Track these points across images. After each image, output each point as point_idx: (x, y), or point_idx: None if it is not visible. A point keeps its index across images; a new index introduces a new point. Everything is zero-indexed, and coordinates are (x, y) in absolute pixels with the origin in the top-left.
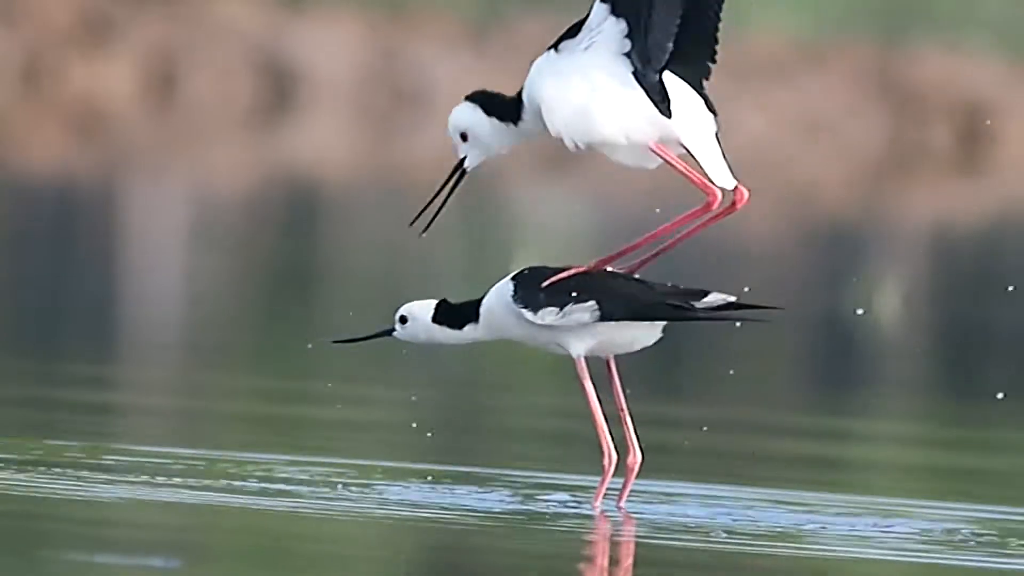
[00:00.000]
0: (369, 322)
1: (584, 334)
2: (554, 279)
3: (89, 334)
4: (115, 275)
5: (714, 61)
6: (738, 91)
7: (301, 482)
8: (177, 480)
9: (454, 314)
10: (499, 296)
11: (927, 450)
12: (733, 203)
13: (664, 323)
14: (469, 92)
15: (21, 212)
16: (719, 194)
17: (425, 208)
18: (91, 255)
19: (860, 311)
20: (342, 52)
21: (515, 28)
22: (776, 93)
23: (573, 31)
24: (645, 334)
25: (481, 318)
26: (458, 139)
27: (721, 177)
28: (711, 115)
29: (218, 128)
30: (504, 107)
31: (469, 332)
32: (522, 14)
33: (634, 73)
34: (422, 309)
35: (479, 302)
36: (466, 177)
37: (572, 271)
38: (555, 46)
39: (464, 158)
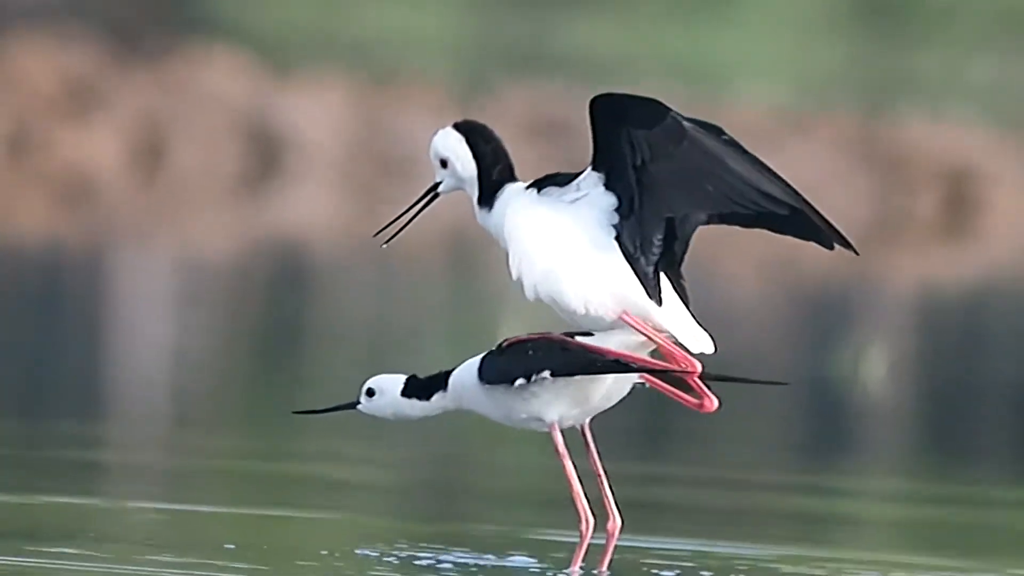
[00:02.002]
0: (355, 389)
1: (556, 397)
2: (512, 340)
3: (76, 401)
4: (103, 344)
5: (683, 260)
6: None
7: (283, 540)
8: (159, 538)
9: (423, 386)
10: (469, 373)
11: (913, 507)
12: (701, 404)
13: (635, 375)
14: (461, 120)
15: (8, 281)
16: (698, 366)
17: (393, 222)
18: (79, 324)
19: (851, 377)
20: (329, 121)
21: (501, 98)
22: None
23: (561, 179)
24: (615, 388)
25: (450, 388)
26: (437, 163)
27: (701, 343)
28: (683, 302)
29: (205, 197)
30: (485, 169)
31: (437, 401)
32: (508, 84)
33: (624, 253)
34: (391, 383)
35: (449, 372)
36: (438, 199)
37: (525, 336)
38: (538, 185)
39: (439, 182)
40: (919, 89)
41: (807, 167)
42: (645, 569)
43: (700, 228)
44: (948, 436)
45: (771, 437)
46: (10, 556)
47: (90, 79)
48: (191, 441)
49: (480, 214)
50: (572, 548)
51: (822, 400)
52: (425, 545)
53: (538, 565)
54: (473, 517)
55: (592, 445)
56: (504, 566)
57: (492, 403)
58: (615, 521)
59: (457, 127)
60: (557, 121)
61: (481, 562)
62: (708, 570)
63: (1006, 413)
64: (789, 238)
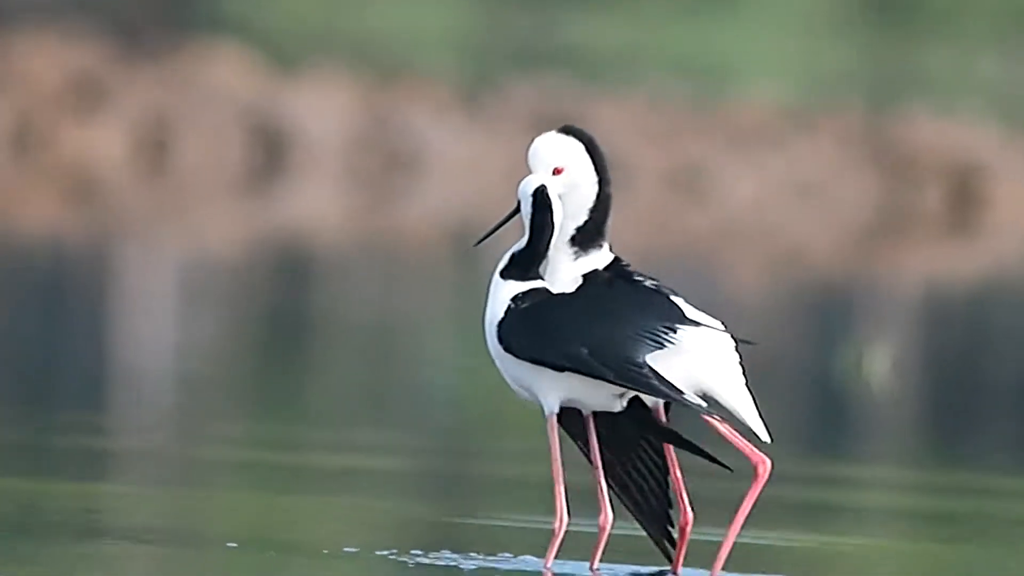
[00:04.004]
0: (359, 388)
1: (554, 387)
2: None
3: (83, 392)
4: (109, 338)
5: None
6: (729, 156)
7: (288, 531)
8: (163, 524)
9: (519, 271)
10: (491, 321)
11: (917, 496)
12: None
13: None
14: (573, 126)
15: (13, 276)
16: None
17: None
18: (85, 319)
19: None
20: (334, 116)
21: (506, 92)
22: (767, 157)
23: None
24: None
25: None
26: (544, 169)
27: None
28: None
29: (210, 192)
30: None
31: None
32: (513, 78)
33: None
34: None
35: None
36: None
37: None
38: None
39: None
40: (925, 86)
41: (813, 164)
42: (647, 557)
43: (709, 225)
44: (953, 428)
45: (776, 428)
46: (18, 541)
47: (95, 75)
48: (196, 431)
49: (568, 254)
50: (576, 539)
51: (827, 394)
52: (426, 539)
53: (523, 562)
54: (475, 507)
55: (594, 437)
56: (500, 561)
57: (503, 360)
58: (607, 516)
59: (578, 134)
60: (563, 117)
61: (484, 560)
62: (711, 557)
63: (1011, 406)
64: (794, 236)
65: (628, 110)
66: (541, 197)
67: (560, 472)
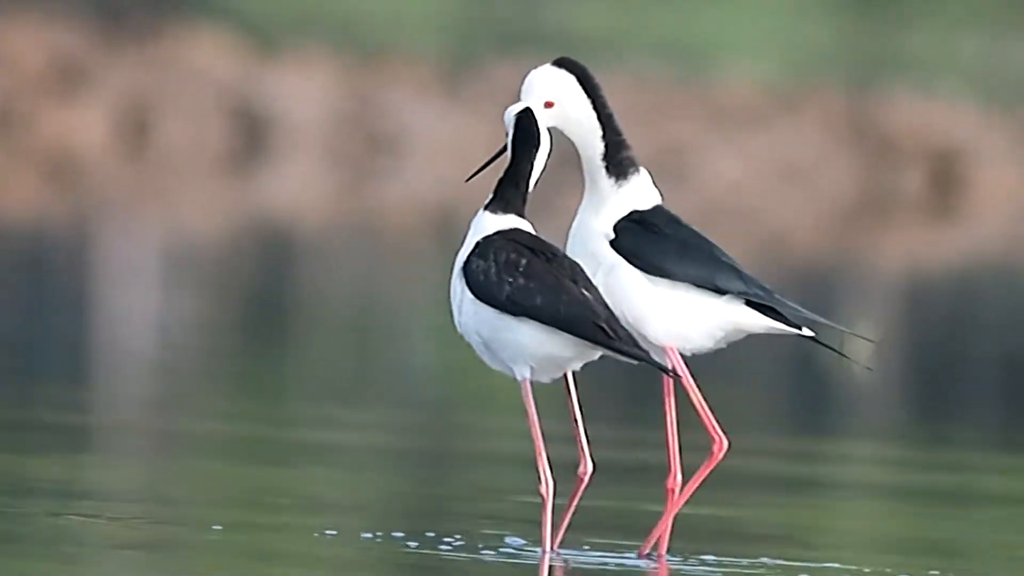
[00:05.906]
0: (341, 367)
1: (523, 352)
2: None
3: (62, 373)
4: (89, 318)
5: None
6: (712, 137)
7: (270, 508)
8: (141, 503)
9: (500, 201)
10: (458, 266)
11: (899, 472)
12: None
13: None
14: (567, 58)
15: None
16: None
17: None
18: (66, 299)
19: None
20: (315, 97)
21: (488, 73)
22: (750, 139)
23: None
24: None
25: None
26: (537, 103)
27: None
28: None
29: (191, 174)
30: (607, 117)
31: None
32: (495, 59)
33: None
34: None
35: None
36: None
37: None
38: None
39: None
40: (908, 67)
41: (795, 145)
42: (630, 530)
43: (692, 206)
44: (934, 407)
45: (760, 406)
46: None
47: (78, 57)
48: (178, 409)
49: (606, 183)
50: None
51: (810, 373)
52: (410, 515)
53: (513, 547)
54: (459, 483)
55: (573, 390)
56: (485, 537)
57: (476, 317)
58: (587, 466)
59: (570, 67)
60: None
61: (469, 536)
62: (698, 532)
63: (990, 384)
64: (777, 217)
65: (611, 91)
66: (525, 120)
67: (540, 437)
